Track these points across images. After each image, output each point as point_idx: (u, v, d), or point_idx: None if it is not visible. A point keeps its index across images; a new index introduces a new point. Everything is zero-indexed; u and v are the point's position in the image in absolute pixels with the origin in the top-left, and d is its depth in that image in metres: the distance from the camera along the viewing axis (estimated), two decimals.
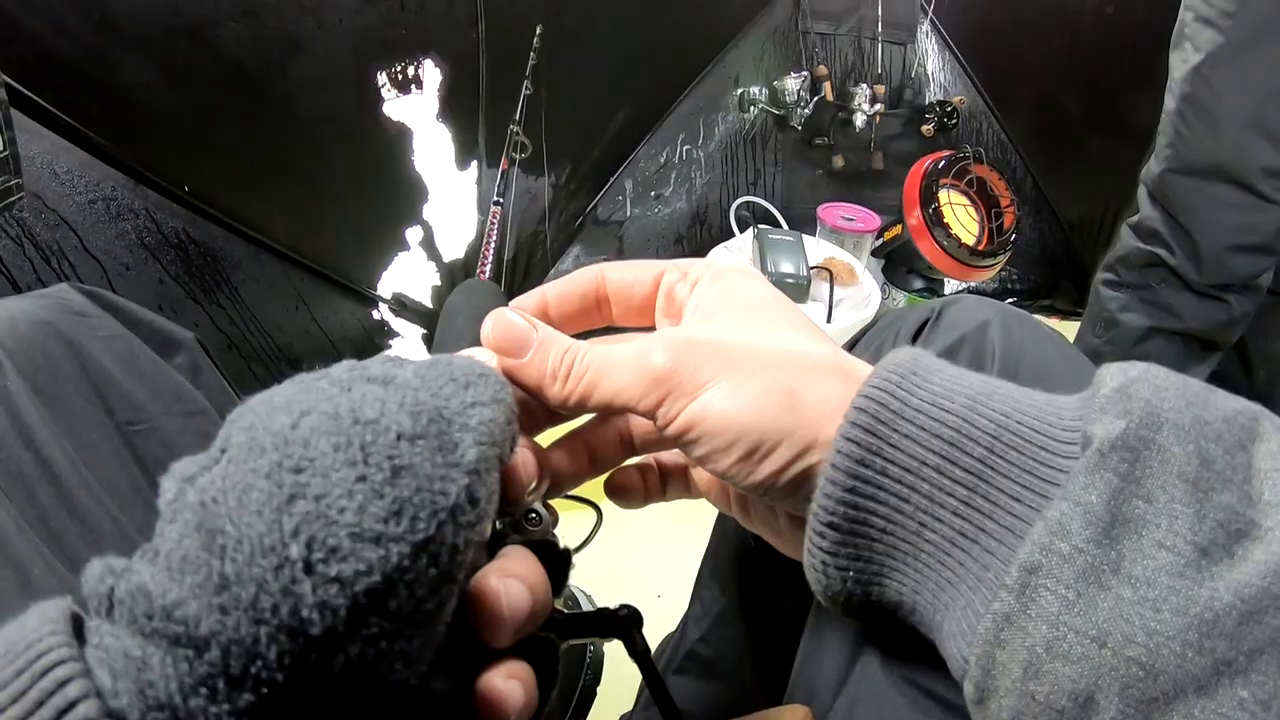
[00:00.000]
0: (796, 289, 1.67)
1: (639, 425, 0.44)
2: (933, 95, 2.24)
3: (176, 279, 1.20)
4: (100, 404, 0.54)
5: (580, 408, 0.38)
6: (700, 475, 0.45)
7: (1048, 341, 0.60)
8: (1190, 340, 1.33)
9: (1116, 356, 1.35)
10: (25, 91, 0.98)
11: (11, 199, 0.89)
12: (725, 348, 0.35)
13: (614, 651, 1.30)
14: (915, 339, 0.64)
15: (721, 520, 0.82)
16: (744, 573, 0.74)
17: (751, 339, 0.36)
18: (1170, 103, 1.26)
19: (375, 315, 1.64)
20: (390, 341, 1.66)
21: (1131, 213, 1.39)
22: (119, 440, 0.54)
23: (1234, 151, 1.18)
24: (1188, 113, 1.22)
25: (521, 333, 0.38)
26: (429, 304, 1.77)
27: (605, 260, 1.55)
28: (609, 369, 0.36)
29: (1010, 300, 2.38)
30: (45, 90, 1.01)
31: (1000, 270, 2.03)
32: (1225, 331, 1.32)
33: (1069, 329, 2.40)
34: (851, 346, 0.72)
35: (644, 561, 1.48)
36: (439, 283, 1.78)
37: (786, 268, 1.67)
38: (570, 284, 0.43)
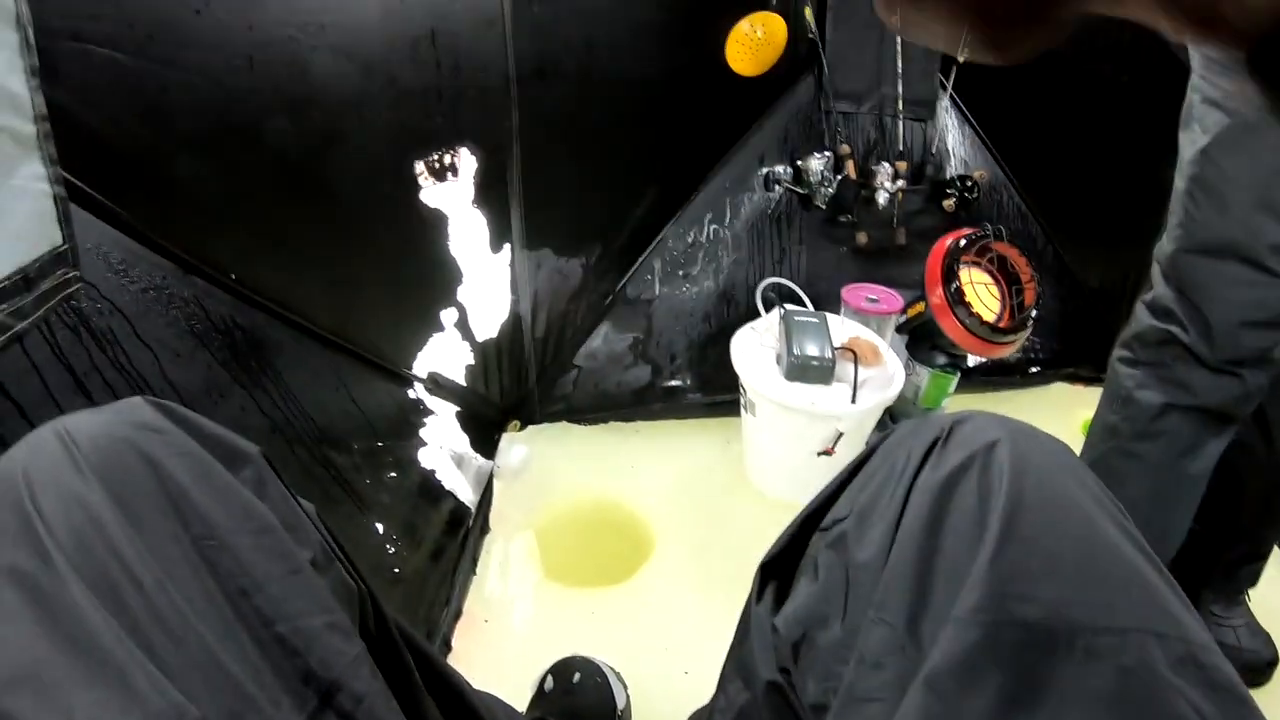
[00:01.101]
0: (821, 371, 1.70)
1: None
2: (953, 169, 2.28)
3: (224, 364, 1.23)
4: (177, 519, 0.56)
5: None
6: None
7: (1053, 455, 0.63)
8: (1206, 414, 1.33)
9: (1133, 434, 1.38)
10: (83, 186, 1.02)
11: (69, 289, 0.93)
12: None
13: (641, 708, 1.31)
14: (926, 456, 0.67)
15: (744, 620, 0.85)
16: (765, 670, 0.77)
17: None
18: (1180, 183, 1.28)
19: (411, 394, 1.68)
20: (425, 419, 1.70)
21: (1146, 289, 1.41)
22: (195, 554, 0.56)
23: (1243, 230, 1.19)
24: (1196, 193, 1.24)
25: None
26: (463, 382, 1.81)
27: (635, 339, 1.59)
28: None
29: (1033, 370, 2.40)
30: (101, 185, 1.05)
31: (1022, 343, 2.05)
32: (1240, 405, 1.32)
33: (1092, 395, 2.39)
34: (867, 457, 0.76)
35: (673, 639, 1.49)
36: (472, 362, 1.82)
37: (811, 350, 1.70)
38: None
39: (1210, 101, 1.20)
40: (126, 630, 0.49)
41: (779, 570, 0.82)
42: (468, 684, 0.86)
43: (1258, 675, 1.55)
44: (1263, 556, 1.55)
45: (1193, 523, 1.42)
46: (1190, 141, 1.24)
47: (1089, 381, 2.45)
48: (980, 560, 0.56)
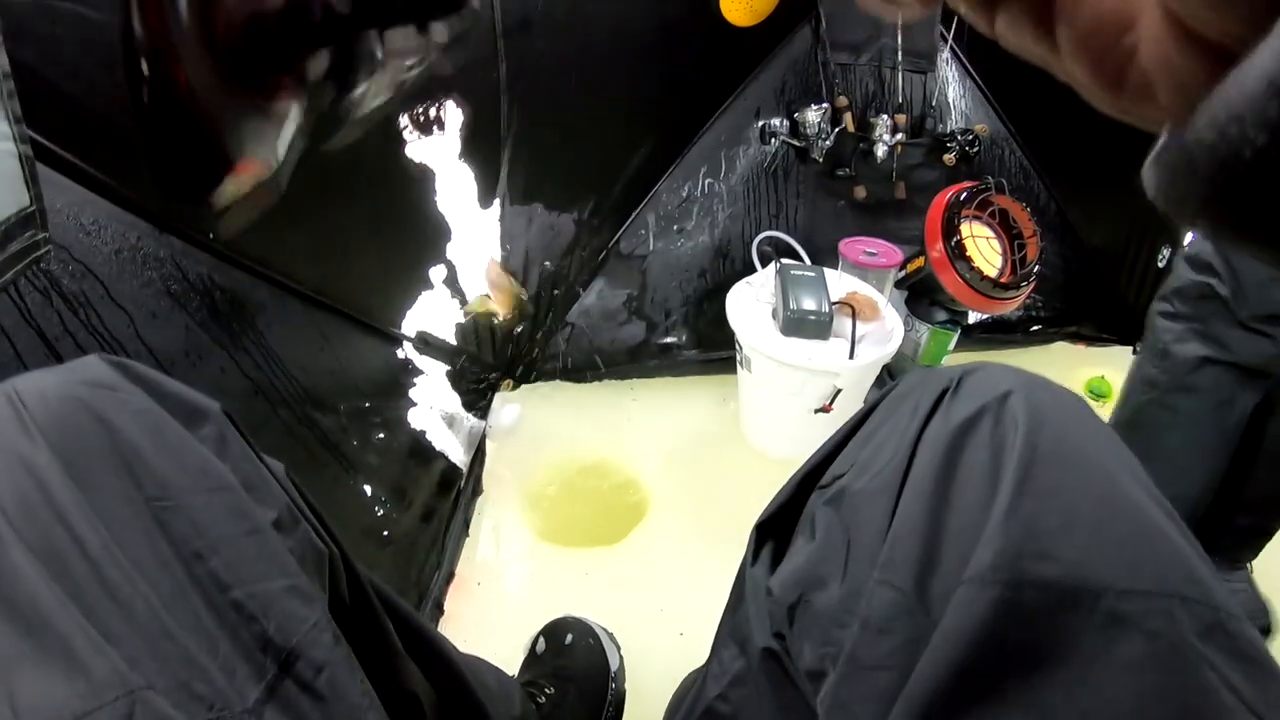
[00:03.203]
0: (819, 326, 1.66)
1: None
2: (954, 123, 2.23)
3: (203, 325, 1.20)
4: (129, 479, 0.54)
5: None
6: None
7: (1071, 408, 0.60)
8: (1241, 370, 1.34)
9: (1171, 386, 1.40)
10: (51, 146, 0.99)
11: (38, 253, 0.90)
12: None
13: (635, 688, 1.30)
14: (934, 408, 0.64)
15: (739, 582, 0.82)
16: (760, 636, 0.74)
17: None
18: None
19: (400, 354, 1.65)
20: (414, 379, 1.67)
21: (1188, 244, 1.43)
22: (148, 516, 0.54)
23: None
24: None
25: None
26: (453, 341, 1.78)
27: (630, 295, 1.56)
28: None
29: (1034, 328, 2.37)
30: (71, 144, 1.02)
31: (1024, 299, 2.02)
32: (1275, 363, 1.32)
33: (1094, 355, 2.39)
34: (870, 411, 0.72)
35: (668, 600, 1.48)
36: (462, 320, 1.79)
37: (809, 304, 1.67)
38: None
39: None
40: (70, 597, 0.47)
41: (776, 530, 0.79)
42: (454, 647, 0.84)
43: None
44: (1268, 534, 1.55)
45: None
46: None
47: (1091, 341, 2.43)
48: (994, 516, 0.53)
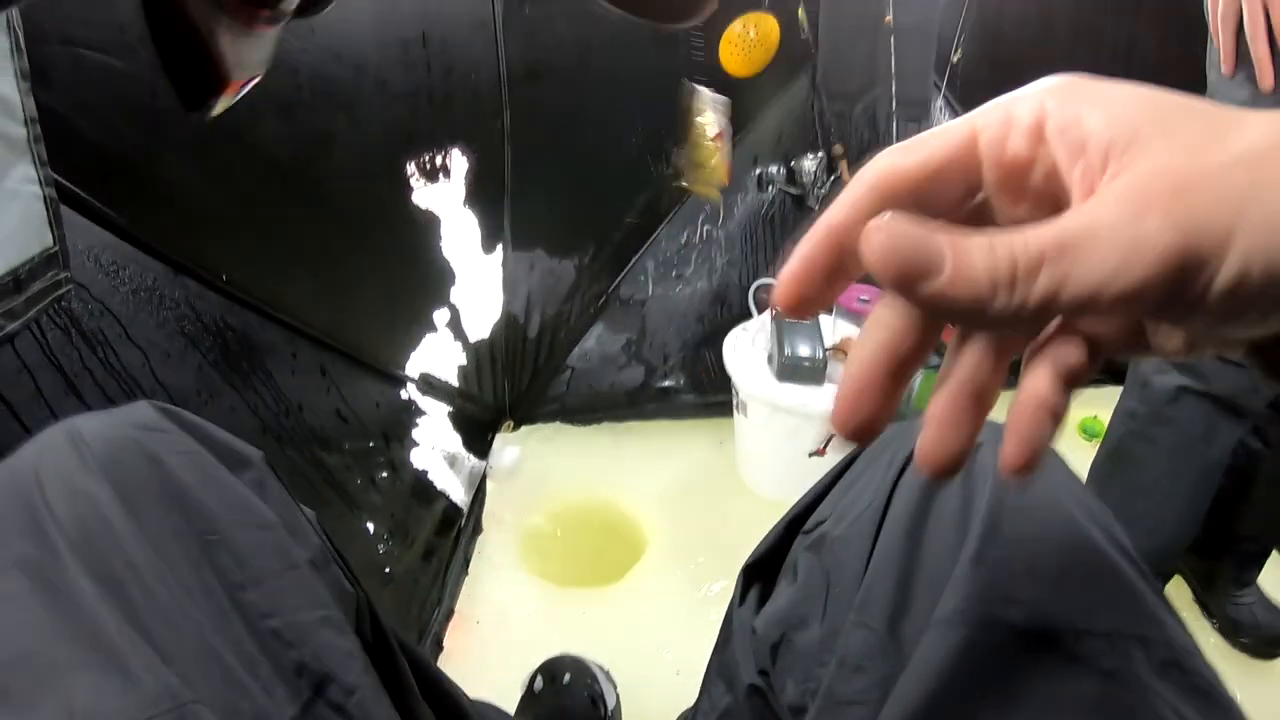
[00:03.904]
0: (813, 371, 1.70)
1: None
2: None
3: (215, 365, 1.23)
4: (178, 513, 0.58)
5: (1042, 312, 0.27)
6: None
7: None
8: (1217, 402, 1.38)
9: (1150, 417, 1.44)
10: (74, 189, 1.02)
11: (60, 291, 0.93)
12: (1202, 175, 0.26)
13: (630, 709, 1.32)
14: (909, 459, 0.67)
15: (727, 622, 0.86)
16: (746, 673, 0.77)
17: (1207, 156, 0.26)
18: None
19: (403, 395, 1.69)
20: (417, 420, 1.71)
21: None
22: (195, 547, 0.57)
23: None
24: None
25: (925, 242, 0.27)
26: (455, 383, 1.81)
27: (629, 339, 1.59)
28: (1079, 245, 0.26)
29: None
30: (93, 187, 1.05)
31: None
32: (1250, 396, 1.36)
33: (1087, 395, 2.39)
34: (850, 462, 0.76)
35: (664, 639, 1.50)
36: (464, 362, 1.82)
37: (803, 350, 1.70)
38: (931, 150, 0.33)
39: None
40: (126, 618, 0.50)
41: (762, 573, 0.82)
42: (463, 693, 0.87)
43: (1276, 647, 1.60)
44: (1266, 554, 1.62)
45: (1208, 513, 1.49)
46: None
47: None
48: (962, 562, 0.56)
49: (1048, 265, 0.26)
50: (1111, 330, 0.32)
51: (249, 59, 0.79)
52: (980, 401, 0.32)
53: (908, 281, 0.27)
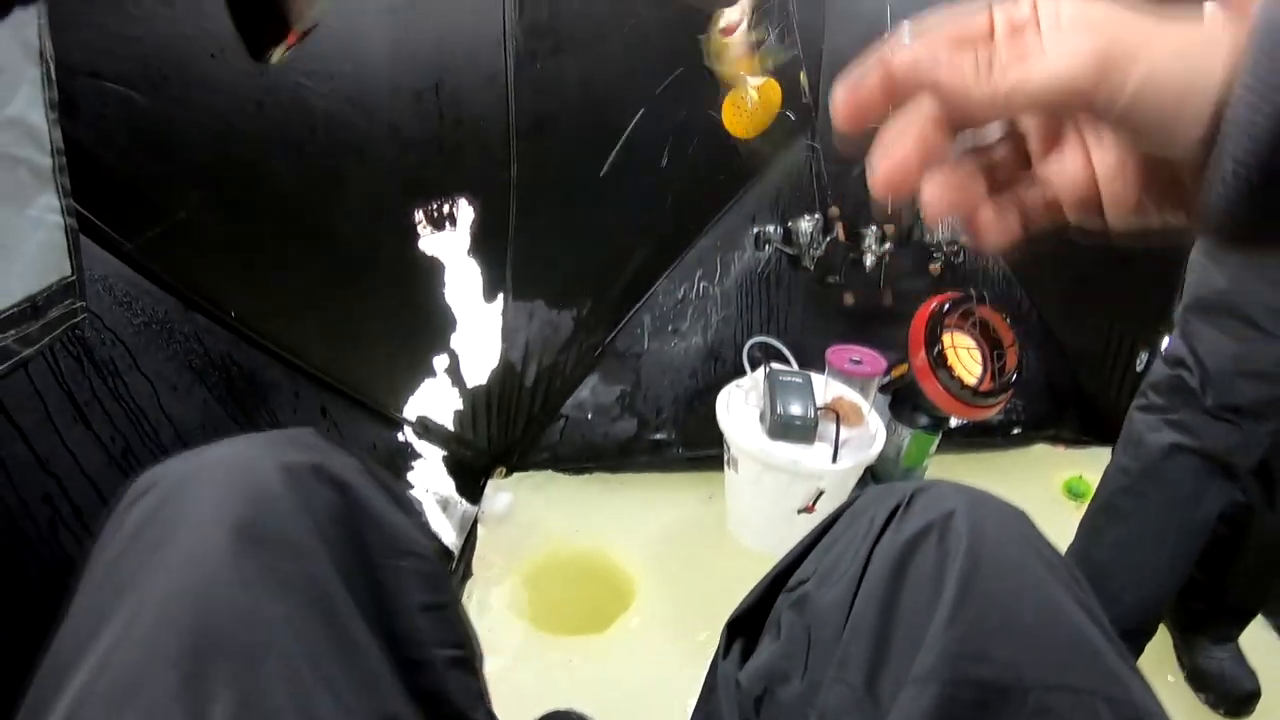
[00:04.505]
0: (804, 430, 1.73)
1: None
2: (941, 233, 2.32)
3: (220, 400, 1.24)
4: (358, 532, 0.62)
5: (1010, 101, 0.37)
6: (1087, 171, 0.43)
7: (1010, 522, 0.66)
8: (1208, 460, 1.42)
9: (1141, 473, 1.48)
10: (92, 219, 1.04)
11: (75, 319, 0.95)
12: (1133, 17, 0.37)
13: None
14: (888, 522, 0.70)
15: (711, 675, 0.87)
16: None
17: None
18: (1193, 252, 1.43)
19: (400, 437, 1.71)
20: (412, 462, 1.72)
21: (1165, 346, 1.54)
22: (367, 569, 0.61)
23: (1235, 289, 1.32)
24: (1202, 258, 1.39)
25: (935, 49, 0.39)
26: (451, 427, 1.83)
27: (623, 391, 1.61)
28: (1035, 53, 0.36)
29: (1015, 431, 2.43)
30: (110, 218, 1.06)
31: (1004, 405, 2.08)
32: (1239, 455, 1.41)
33: (1072, 457, 2.44)
34: (832, 522, 0.78)
35: (650, 689, 1.51)
36: (461, 407, 1.85)
37: (795, 409, 1.73)
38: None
39: None
40: (340, 629, 0.56)
41: (746, 628, 0.84)
42: None
43: (1240, 705, 1.63)
44: (1252, 614, 1.66)
45: (1194, 570, 1.53)
46: None
47: (1070, 443, 2.49)
48: (937, 622, 0.58)
49: (1013, 66, 0.37)
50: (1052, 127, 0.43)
51: (308, 11, 0.84)
52: (924, 149, 0.41)
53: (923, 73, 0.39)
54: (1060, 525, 2.05)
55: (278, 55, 0.83)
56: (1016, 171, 0.44)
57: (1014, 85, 0.36)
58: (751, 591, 0.85)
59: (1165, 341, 2.01)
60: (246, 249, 1.33)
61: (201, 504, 0.54)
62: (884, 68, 0.40)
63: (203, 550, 0.52)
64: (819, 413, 1.76)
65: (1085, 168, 0.41)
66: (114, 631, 0.49)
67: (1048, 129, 0.43)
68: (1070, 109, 0.39)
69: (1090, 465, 2.37)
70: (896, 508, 0.69)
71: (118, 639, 0.48)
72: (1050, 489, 2.28)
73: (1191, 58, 0.35)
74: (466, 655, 0.67)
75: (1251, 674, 1.65)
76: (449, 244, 1.67)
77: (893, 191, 0.41)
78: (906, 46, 0.39)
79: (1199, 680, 1.66)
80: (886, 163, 0.40)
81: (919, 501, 0.68)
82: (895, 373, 2.06)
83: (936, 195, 0.41)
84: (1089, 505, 1.62)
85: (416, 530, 0.67)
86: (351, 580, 0.58)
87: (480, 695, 0.66)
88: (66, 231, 0.92)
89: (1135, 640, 1.54)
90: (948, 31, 0.40)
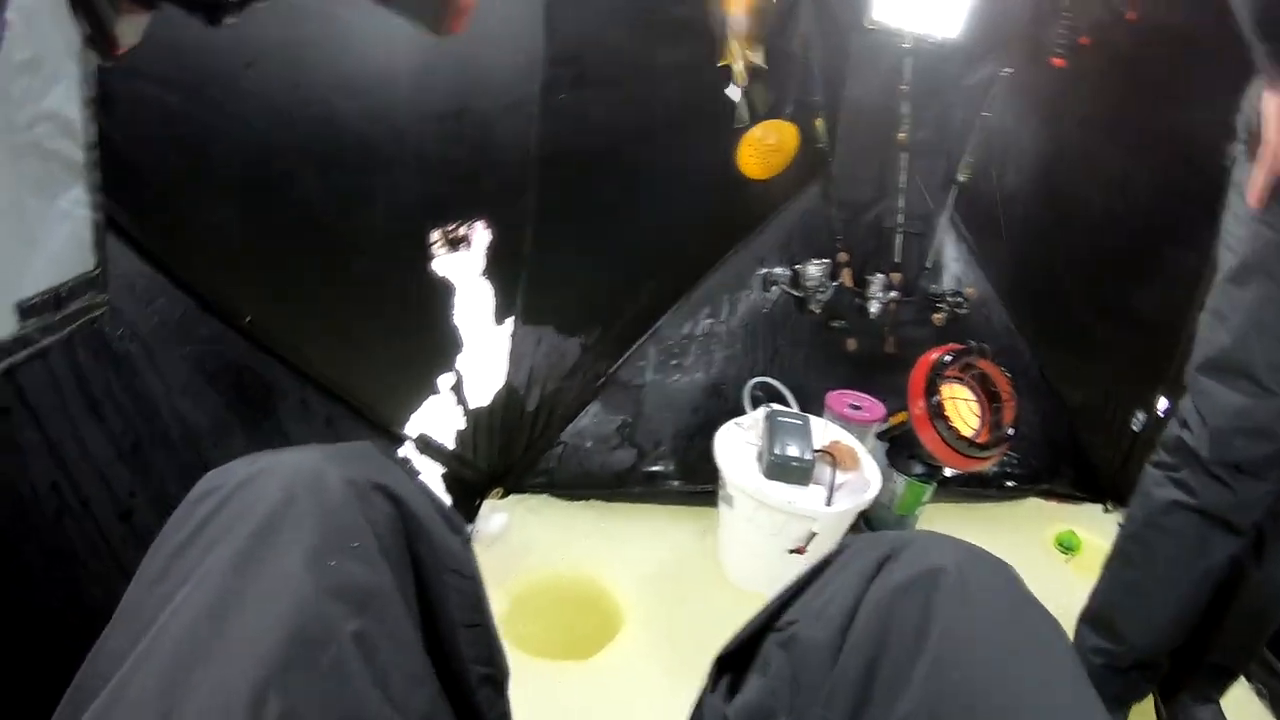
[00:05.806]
0: (801, 472, 1.75)
1: None
2: (946, 284, 2.35)
3: (230, 405, 1.25)
4: (407, 552, 0.64)
5: None
6: None
7: (996, 579, 0.68)
8: (1206, 518, 1.45)
9: (1145, 522, 1.52)
10: (118, 216, 1.05)
11: (96, 313, 0.96)
12: None
13: None
14: (878, 571, 0.72)
15: (698, 709, 0.89)
16: None
17: None
18: (1203, 313, 1.45)
19: (400, 453, 1.72)
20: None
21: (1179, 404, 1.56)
22: (415, 584, 0.63)
23: (1239, 347, 1.34)
24: (1209, 318, 1.41)
25: None
26: (451, 446, 1.85)
27: (624, 421, 1.63)
28: None
29: (1009, 483, 2.45)
30: (136, 217, 1.07)
31: (999, 458, 2.10)
32: (1236, 514, 1.43)
33: (1065, 512, 2.45)
34: (824, 567, 0.80)
35: (633, 718, 1.51)
36: (463, 427, 1.86)
37: (793, 451, 1.75)
38: None
39: (1226, 246, 1.38)
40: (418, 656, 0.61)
41: (734, 664, 0.85)
42: None
43: None
44: (1235, 674, 1.67)
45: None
46: (1214, 283, 1.42)
47: (1063, 498, 2.50)
48: (919, 671, 0.60)
49: None
50: None
51: (129, 36, 0.86)
52: None
53: None
54: (1051, 578, 2.07)
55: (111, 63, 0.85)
56: None
57: None
58: (742, 629, 0.86)
59: (1162, 402, 2.10)
60: (267, 258, 1.34)
61: (275, 515, 0.57)
62: None
63: (282, 557, 0.55)
64: (816, 455, 1.78)
65: None
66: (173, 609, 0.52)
67: None
68: None
69: (1082, 520, 2.38)
70: (886, 558, 0.71)
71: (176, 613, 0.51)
72: (1042, 542, 2.29)
73: None
74: (497, 675, 0.69)
75: None
76: (463, 266, 1.69)
77: None
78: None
79: None
80: None
81: (907, 553, 0.70)
82: (894, 420, 2.08)
83: None
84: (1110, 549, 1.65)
85: (464, 550, 0.69)
86: (405, 591, 0.61)
87: (504, 715, 0.68)
88: (94, 226, 0.93)
89: (1146, 670, 1.59)
90: None
